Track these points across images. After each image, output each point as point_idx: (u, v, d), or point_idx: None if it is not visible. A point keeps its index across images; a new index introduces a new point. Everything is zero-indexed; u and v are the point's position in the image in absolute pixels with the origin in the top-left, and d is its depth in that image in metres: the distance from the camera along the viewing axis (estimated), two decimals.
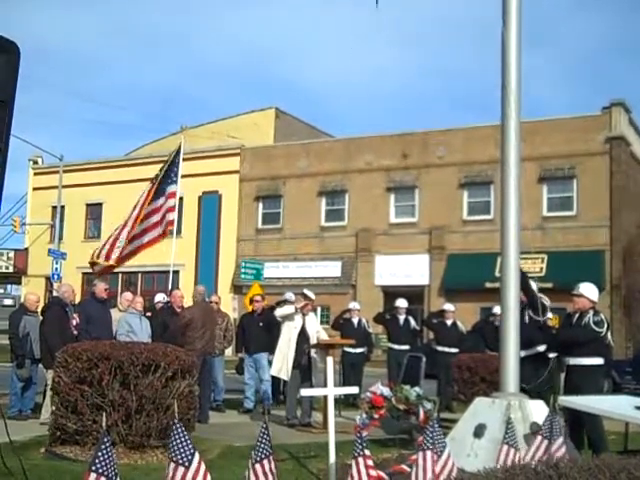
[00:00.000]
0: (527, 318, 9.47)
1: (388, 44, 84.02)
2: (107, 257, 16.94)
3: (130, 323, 12.49)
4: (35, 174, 46.18)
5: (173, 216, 17.61)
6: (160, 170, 18.50)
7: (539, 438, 6.18)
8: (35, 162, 46.25)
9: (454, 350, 15.71)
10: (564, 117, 33.85)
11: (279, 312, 13.24)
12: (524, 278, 8.44)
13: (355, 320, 17.07)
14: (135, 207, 17.71)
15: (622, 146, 32.85)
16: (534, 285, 9.69)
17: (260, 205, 39.41)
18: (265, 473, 5.32)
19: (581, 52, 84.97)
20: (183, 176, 19.31)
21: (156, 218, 17.64)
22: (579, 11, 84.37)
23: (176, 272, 29.25)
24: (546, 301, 9.91)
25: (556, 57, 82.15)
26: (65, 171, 41.36)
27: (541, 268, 31.55)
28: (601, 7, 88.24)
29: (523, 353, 7.99)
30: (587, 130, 32.93)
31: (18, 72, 4.00)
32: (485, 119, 32.14)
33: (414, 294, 31.42)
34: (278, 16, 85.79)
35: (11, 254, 44.99)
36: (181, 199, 18.96)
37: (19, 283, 47.10)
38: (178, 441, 4.71)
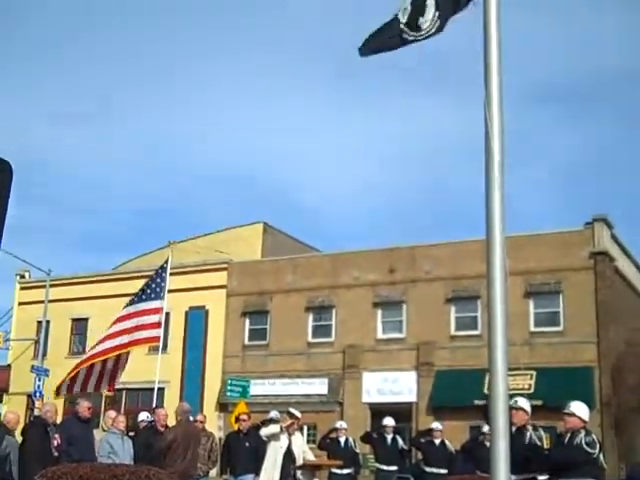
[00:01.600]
0: (527, 439, 9.28)
1: (376, 160, 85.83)
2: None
3: (112, 444, 12.17)
4: (21, 288, 45.99)
5: (158, 333, 17.42)
6: (144, 285, 18.44)
7: None
8: (22, 276, 46.15)
9: (443, 471, 15.35)
10: (548, 232, 34.25)
11: (264, 431, 12.98)
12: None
13: (342, 439, 16.73)
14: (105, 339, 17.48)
15: (606, 261, 33.14)
16: (527, 405, 9.51)
17: (247, 321, 39.20)
18: None
19: (562, 167, 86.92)
20: (170, 291, 19.25)
21: (133, 323, 17.42)
22: (561, 127, 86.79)
23: (161, 389, 28.77)
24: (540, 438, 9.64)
25: (538, 172, 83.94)
26: (52, 285, 41.24)
27: (530, 385, 31.24)
28: (582, 123, 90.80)
29: (514, 478, 7.74)
30: (571, 245, 33.28)
31: (10, 190, 4.02)
32: (471, 234, 32.45)
33: (402, 412, 30.95)
34: (267, 133, 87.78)
35: None
36: (167, 314, 18.87)
37: (0, 401, 46.18)
38: None
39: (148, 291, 17.92)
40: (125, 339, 17.06)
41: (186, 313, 39.56)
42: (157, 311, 17.57)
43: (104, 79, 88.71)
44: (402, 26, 7.06)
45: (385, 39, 7.11)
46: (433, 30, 6.94)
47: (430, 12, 6.99)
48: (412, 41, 7.03)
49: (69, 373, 17.24)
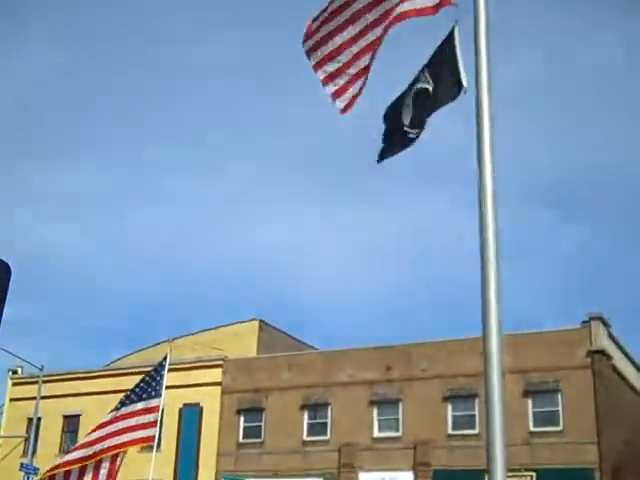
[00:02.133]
0: None
1: (373, 256, 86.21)
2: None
3: None
4: (14, 384, 45.46)
5: (154, 432, 17.16)
6: (140, 381, 18.26)
7: None
8: (15, 372, 45.67)
9: None
10: (546, 330, 34.20)
11: None
12: None
13: None
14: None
15: (603, 360, 32.98)
16: None
17: (242, 418, 38.66)
18: None
19: (558, 264, 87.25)
20: (165, 387, 19.08)
21: (133, 422, 17.18)
22: (557, 226, 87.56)
23: None
24: None
25: (534, 268, 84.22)
26: (44, 381, 40.77)
27: None
28: (577, 223, 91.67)
29: None
30: (569, 344, 33.17)
31: (7, 291, 4.08)
32: (468, 332, 32.39)
33: None
34: (265, 229, 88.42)
35: None
36: (161, 411, 18.67)
37: None
38: None
39: (147, 389, 17.76)
40: (121, 439, 16.82)
41: (180, 410, 39.04)
42: (154, 409, 17.36)
43: (107, 178, 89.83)
44: (406, 128, 7.38)
45: (394, 147, 7.48)
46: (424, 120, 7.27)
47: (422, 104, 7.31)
48: (416, 137, 7.35)
49: (59, 466, 16.92)
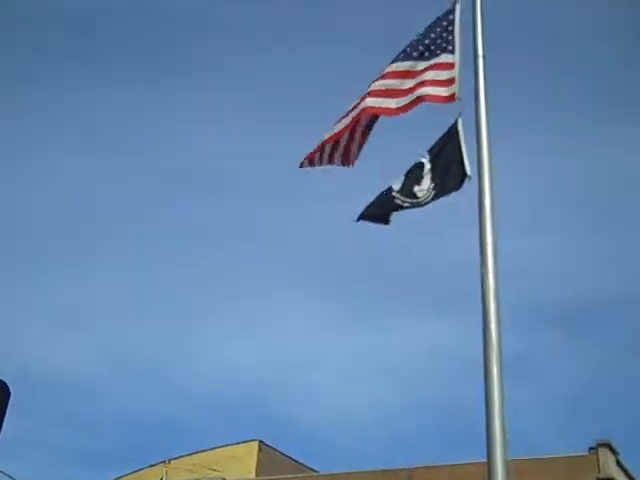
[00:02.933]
0: None
1: (374, 378, 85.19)
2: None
3: None
4: None
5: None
6: None
7: None
8: None
9: None
10: (552, 456, 33.35)
11: None
12: None
13: None
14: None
15: None
16: None
17: None
18: None
19: (565, 388, 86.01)
20: None
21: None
22: (562, 348, 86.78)
23: None
24: None
25: (540, 392, 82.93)
26: None
27: None
28: (583, 345, 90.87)
29: None
30: (576, 470, 32.27)
31: (6, 411, 3.98)
32: (472, 456, 31.62)
33: None
34: (264, 347, 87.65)
35: None
36: None
37: None
38: None
39: None
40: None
41: None
42: None
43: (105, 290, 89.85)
44: (394, 193, 7.49)
45: (377, 209, 7.60)
46: (428, 199, 7.40)
47: (426, 183, 7.44)
48: (407, 207, 7.46)
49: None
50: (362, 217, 7.90)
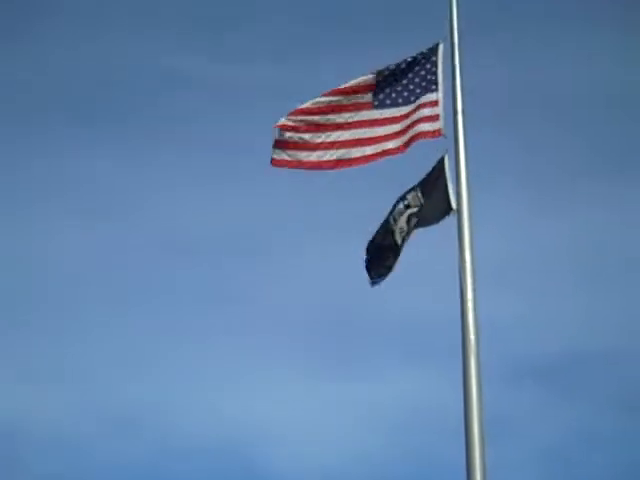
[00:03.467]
0: None
1: (350, 430, 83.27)
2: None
3: None
4: None
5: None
6: None
7: None
8: None
9: None
10: None
11: None
12: None
13: None
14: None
15: None
16: None
17: None
18: None
19: (545, 446, 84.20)
20: None
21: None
22: (543, 405, 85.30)
23: None
24: None
25: (520, 451, 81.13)
26: None
27: None
28: (564, 401, 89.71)
29: None
30: None
31: None
32: None
33: None
34: (236, 402, 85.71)
35: None
36: None
37: None
38: None
39: None
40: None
41: None
42: None
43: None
44: (395, 241, 7.69)
45: (383, 262, 7.83)
46: (412, 229, 7.69)
47: (408, 218, 7.68)
48: (400, 249, 7.70)
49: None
50: (377, 279, 8.20)
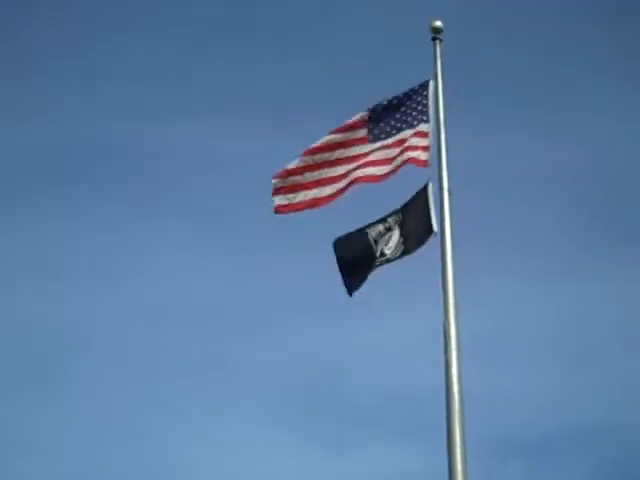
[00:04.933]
0: None
1: None
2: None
3: None
4: None
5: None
6: None
7: None
8: None
9: None
10: None
11: None
12: None
13: None
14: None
15: None
16: None
17: None
18: None
19: None
20: None
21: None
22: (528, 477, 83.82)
23: None
24: None
25: None
26: None
27: None
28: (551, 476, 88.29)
29: None
30: None
31: None
32: None
33: None
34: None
35: None
36: None
37: None
38: None
39: None
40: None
41: None
42: None
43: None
44: (377, 259, 7.82)
45: (360, 273, 7.97)
46: (396, 255, 7.79)
47: (393, 241, 7.77)
48: (378, 265, 7.82)
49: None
50: (352, 289, 8.43)
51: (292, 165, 9.30)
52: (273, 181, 9.23)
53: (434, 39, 9.30)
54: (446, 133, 8.71)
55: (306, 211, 9.21)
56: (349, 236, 8.61)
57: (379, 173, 9.03)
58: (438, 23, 9.39)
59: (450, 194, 7.87)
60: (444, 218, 7.62)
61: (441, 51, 9.28)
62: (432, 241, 7.72)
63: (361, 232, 8.46)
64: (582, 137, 30.31)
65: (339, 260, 8.43)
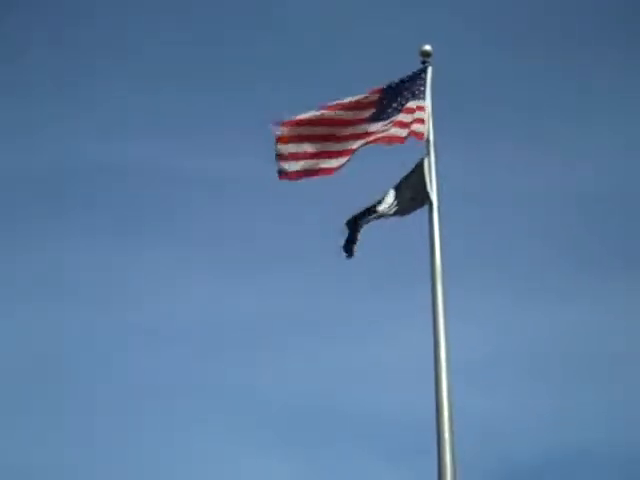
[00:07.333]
0: None
1: None
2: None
3: None
4: None
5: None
6: None
7: None
8: None
9: None
10: None
11: None
12: None
13: None
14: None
15: None
16: None
17: None
18: None
19: None
20: None
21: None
22: None
23: None
24: None
25: None
26: None
27: None
28: None
29: None
30: None
31: None
32: None
33: None
34: None
35: None
36: None
37: None
38: None
39: None
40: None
41: None
42: None
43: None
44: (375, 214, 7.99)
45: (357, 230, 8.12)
46: (391, 212, 7.99)
47: (388, 201, 7.95)
48: (372, 220, 7.98)
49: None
50: (350, 252, 8.71)
51: (289, 133, 9.40)
52: (276, 132, 9.38)
53: (424, 63, 9.36)
54: (436, 154, 8.65)
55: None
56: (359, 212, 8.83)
57: (389, 136, 9.19)
58: (427, 47, 9.41)
59: (439, 211, 7.83)
60: (434, 236, 7.57)
61: (432, 75, 9.32)
62: (425, 207, 8.03)
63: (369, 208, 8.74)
64: (570, 154, 30.38)
65: (348, 225, 8.69)
